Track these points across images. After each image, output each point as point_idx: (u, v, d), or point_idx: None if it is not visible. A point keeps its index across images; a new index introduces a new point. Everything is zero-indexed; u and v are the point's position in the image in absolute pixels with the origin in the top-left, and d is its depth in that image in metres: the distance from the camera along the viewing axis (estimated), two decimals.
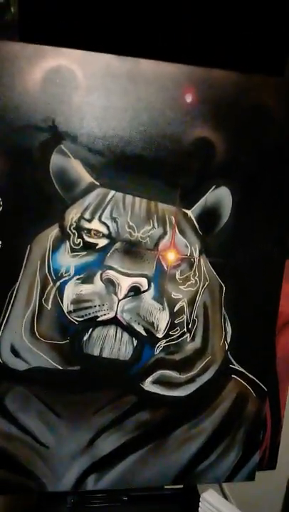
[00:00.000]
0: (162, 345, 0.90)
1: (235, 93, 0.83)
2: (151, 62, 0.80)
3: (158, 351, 0.90)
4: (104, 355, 0.87)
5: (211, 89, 0.82)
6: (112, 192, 0.83)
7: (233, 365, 0.95)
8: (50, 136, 0.78)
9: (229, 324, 0.93)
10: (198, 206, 0.86)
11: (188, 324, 0.90)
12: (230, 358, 0.94)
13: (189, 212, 0.86)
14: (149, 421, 0.92)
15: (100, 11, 0.83)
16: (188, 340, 0.91)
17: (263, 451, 1.03)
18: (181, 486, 1.00)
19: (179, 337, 0.90)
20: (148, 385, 0.91)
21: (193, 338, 0.91)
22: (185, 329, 0.90)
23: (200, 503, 0.80)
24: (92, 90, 0.78)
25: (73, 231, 0.82)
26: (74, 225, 0.82)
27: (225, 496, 1.06)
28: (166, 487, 0.99)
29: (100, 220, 0.83)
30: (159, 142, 0.82)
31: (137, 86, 0.80)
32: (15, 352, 0.85)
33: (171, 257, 0.87)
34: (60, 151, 0.79)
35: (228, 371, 0.95)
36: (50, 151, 0.78)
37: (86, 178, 0.81)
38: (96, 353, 0.87)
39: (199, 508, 0.80)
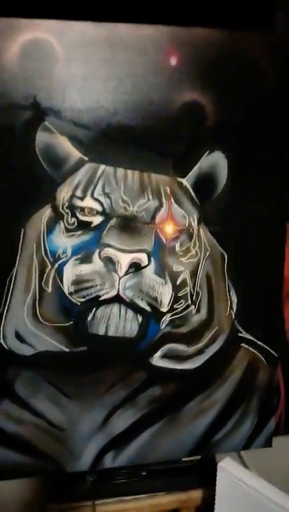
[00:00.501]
0: (168, 319, 0.88)
1: (221, 52, 0.80)
2: (129, 26, 0.76)
3: (164, 326, 0.89)
4: (110, 333, 0.86)
5: (196, 50, 0.79)
6: (103, 166, 0.80)
7: (242, 333, 0.93)
8: (32, 113, 0.75)
9: (234, 293, 0.91)
10: (192, 174, 0.83)
11: (192, 296, 0.89)
12: (238, 326, 0.93)
13: (184, 181, 0.84)
14: (161, 395, 0.92)
15: None
16: (193, 312, 0.90)
17: (278, 416, 1.02)
18: (199, 457, 1.00)
19: (184, 310, 0.89)
20: (157, 360, 0.90)
21: (198, 310, 0.90)
22: (189, 301, 0.89)
23: (217, 473, 0.80)
24: (72, 61, 0.75)
25: (66, 210, 0.80)
26: (66, 204, 0.80)
27: (244, 465, 1.07)
28: (183, 459, 0.99)
29: (92, 196, 0.81)
30: (146, 110, 0.79)
31: (117, 53, 0.76)
32: (20, 338, 0.84)
33: (169, 229, 0.84)
34: (45, 128, 0.76)
35: (237, 340, 0.94)
36: (35, 129, 0.76)
37: (74, 154, 0.78)
38: (101, 332, 0.86)
39: (217, 477, 0.79)
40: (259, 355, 0.95)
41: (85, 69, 0.75)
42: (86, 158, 0.79)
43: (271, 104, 0.83)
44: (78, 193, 0.80)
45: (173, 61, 0.78)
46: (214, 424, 0.96)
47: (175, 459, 0.99)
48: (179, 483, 0.97)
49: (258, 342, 0.94)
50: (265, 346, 0.95)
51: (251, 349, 0.95)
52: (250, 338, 0.94)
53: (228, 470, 0.76)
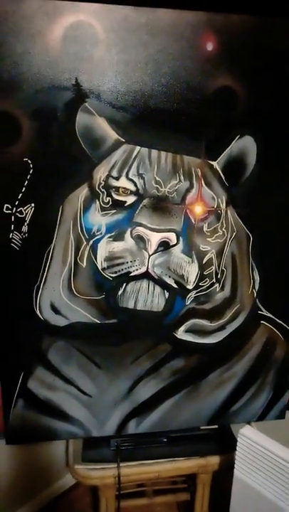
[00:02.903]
0: (193, 296, 0.93)
1: (256, 38, 0.82)
2: (168, 11, 0.78)
3: (189, 302, 0.94)
4: (139, 307, 0.91)
5: (232, 36, 0.81)
6: (138, 148, 0.84)
7: (262, 311, 0.98)
8: (74, 95, 0.78)
9: (257, 273, 0.95)
10: (223, 157, 0.87)
11: (217, 275, 0.93)
12: (259, 304, 0.98)
13: (215, 164, 0.87)
14: (183, 367, 0.98)
15: None
16: (217, 290, 0.94)
17: None
18: (216, 427, 1.06)
19: (209, 287, 0.94)
20: (181, 333, 0.96)
21: (222, 288, 0.95)
22: (214, 280, 0.93)
23: (238, 439, 0.85)
24: (112, 45, 0.77)
25: (102, 190, 0.84)
26: (102, 184, 0.84)
27: None
28: (201, 428, 1.05)
29: (127, 177, 0.84)
30: (182, 94, 0.82)
31: (156, 37, 0.78)
32: (55, 309, 0.89)
33: (199, 210, 0.88)
34: (85, 110, 0.79)
35: (257, 317, 0.99)
36: (75, 110, 0.79)
37: (112, 135, 0.82)
38: (131, 306, 0.91)
39: (238, 443, 0.85)
40: (277, 332, 1.00)
41: (125, 53, 0.78)
42: (123, 140, 0.82)
43: None
44: (114, 173, 0.84)
45: (209, 47, 0.81)
46: (232, 395, 1.02)
47: (194, 427, 1.05)
48: (198, 449, 1.03)
49: (277, 320, 1.00)
50: (284, 323, 1.00)
51: (270, 326, 1.00)
52: (270, 315, 0.99)
53: (249, 436, 0.82)
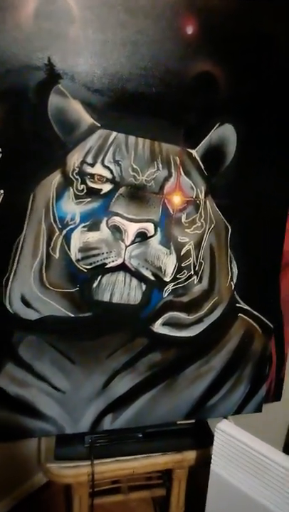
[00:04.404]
0: (170, 288, 0.91)
1: (237, 21, 0.79)
2: None
3: (166, 294, 0.91)
4: (115, 300, 0.88)
5: (212, 18, 0.78)
6: (114, 133, 0.80)
7: (240, 303, 0.97)
8: (46, 75, 0.74)
9: (235, 265, 0.94)
10: (202, 145, 0.84)
11: (195, 267, 0.91)
12: (237, 297, 0.96)
13: (194, 152, 0.84)
14: (160, 361, 0.95)
15: None
16: (195, 282, 0.92)
17: (268, 384, 1.08)
18: (193, 421, 1.04)
19: (187, 280, 0.91)
20: (158, 327, 0.93)
21: (200, 280, 0.93)
22: (192, 272, 0.91)
23: (215, 433, 0.84)
24: (89, 24, 0.73)
25: (76, 177, 0.80)
26: (76, 171, 0.80)
27: None
28: (178, 422, 1.04)
29: (102, 163, 0.81)
30: (161, 78, 0.78)
31: (135, 17, 0.75)
32: (26, 302, 0.85)
33: (177, 200, 0.86)
34: (58, 92, 0.75)
35: (235, 310, 0.97)
36: (48, 92, 0.75)
37: (86, 119, 0.78)
38: (106, 298, 0.88)
39: (214, 437, 0.84)
40: (255, 324, 0.99)
41: (102, 32, 0.74)
42: (98, 124, 0.79)
43: (284, 81, 0.84)
44: (89, 159, 0.80)
45: (189, 29, 0.78)
46: (209, 389, 1.00)
47: (170, 422, 1.03)
48: (174, 444, 1.01)
49: (255, 312, 0.98)
50: (261, 316, 0.99)
51: (248, 319, 0.98)
52: (248, 308, 0.98)
53: (226, 430, 0.81)
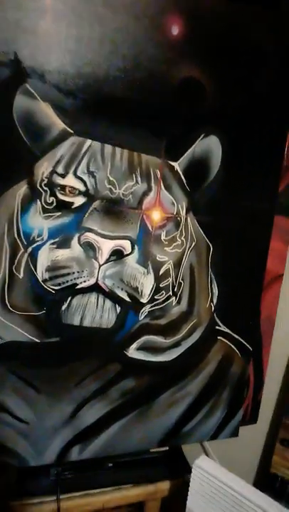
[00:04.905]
0: (147, 310, 0.84)
1: (226, 26, 0.73)
2: None
3: (142, 317, 0.84)
4: (86, 324, 0.80)
5: (201, 20, 0.71)
6: (89, 141, 0.71)
7: (219, 326, 0.91)
8: (11, 73, 0.64)
9: (216, 285, 0.88)
10: (185, 158, 0.77)
11: (173, 287, 0.84)
12: (217, 319, 0.90)
13: (176, 165, 0.77)
14: (133, 388, 0.88)
15: None
16: (173, 303, 0.85)
17: (245, 407, 1.03)
18: (167, 448, 0.98)
19: (165, 301, 0.84)
20: (132, 351, 0.86)
21: (179, 302, 0.86)
22: (171, 293, 0.84)
23: (192, 470, 0.78)
24: (62, 16, 0.64)
25: (45, 188, 0.71)
26: (45, 181, 0.71)
27: (206, 452, 1.07)
28: (151, 450, 0.97)
29: (75, 174, 0.72)
30: (142, 82, 0.71)
31: (115, 13, 0.67)
32: None
33: (157, 216, 0.78)
34: (26, 92, 0.66)
35: (214, 333, 0.91)
36: (13, 92, 0.65)
37: (57, 124, 0.69)
38: (76, 322, 0.80)
39: (192, 475, 0.78)
40: (234, 348, 0.94)
41: (77, 27, 0.65)
42: (71, 131, 0.70)
43: (272, 91, 0.78)
44: (60, 169, 0.71)
45: (175, 30, 0.70)
46: (184, 415, 0.94)
47: (143, 450, 0.97)
48: (147, 474, 0.95)
49: (235, 335, 0.93)
50: (241, 339, 0.94)
51: (227, 342, 0.93)
52: (227, 331, 0.92)
53: (203, 467, 0.75)
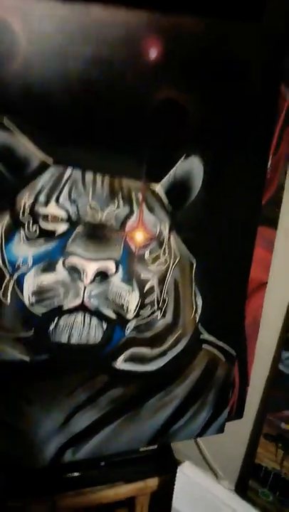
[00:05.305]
0: (133, 325, 0.86)
1: (206, 45, 0.71)
2: (104, 8, 0.64)
3: (128, 331, 0.87)
4: (73, 341, 0.83)
5: (178, 41, 0.69)
6: (69, 170, 0.72)
7: (204, 335, 0.94)
8: None
9: (200, 298, 0.90)
10: (167, 179, 0.77)
11: (158, 302, 0.87)
12: (201, 329, 0.93)
13: (157, 187, 0.78)
14: (122, 396, 0.92)
15: None
16: (159, 317, 0.88)
17: (231, 404, 1.08)
18: (155, 447, 1.04)
19: (150, 315, 0.87)
20: (120, 363, 0.89)
21: (164, 315, 0.89)
22: (156, 307, 0.87)
23: (177, 475, 0.84)
24: (36, 44, 0.63)
25: (27, 218, 0.72)
26: (28, 211, 0.72)
27: (197, 444, 1.14)
28: (141, 449, 1.03)
29: (57, 203, 0.73)
30: (119, 107, 0.70)
31: (90, 39, 0.65)
32: None
33: (140, 237, 0.80)
34: (3, 127, 0.65)
35: (199, 341, 0.94)
36: None
37: (37, 155, 0.69)
38: (64, 340, 0.82)
39: (176, 478, 0.83)
40: (218, 354, 0.97)
41: (51, 54, 0.64)
42: (51, 161, 0.70)
43: (253, 110, 0.78)
44: (41, 198, 0.72)
45: (153, 52, 0.69)
46: (172, 417, 0.99)
47: (134, 450, 1.02)
48: (137, 472, 1.01)
49: (219, 342, 0.96)
50: (225, 346, 0.97)
51: (211, 349, 0.96)
52: (212, 339, 0.95)
53: (187, 473, 0.80)
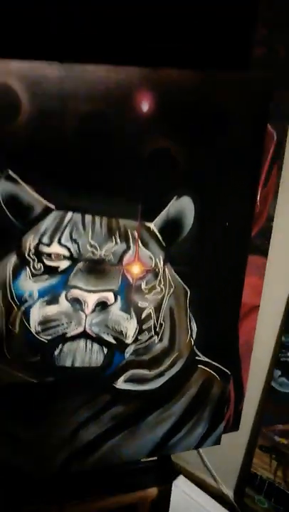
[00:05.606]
0: (132, 349, 0.93)
1: (195, 97, 0.77)
2: (99, 67, 0.71)
3: (128, 355, 0.93)
4: (77, 365, 0.90)
5: (169, 93, 0.75)
6: (70, 213, 0.78)
7: (199, 356, 1.01)
8: None
9: (194, 323, 0.96)
10: (160, 218, 0.84)
11: (155, 328, 0.93)
12: (196, 351, 1.00)
13: (152, 225, 0.84)
14: (123, 413, 0.99)
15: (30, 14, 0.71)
16: (156, 341, 0.95)
17: (227, 417, 1.14)
18: (156, 458, 1.11)
19: (148, 340, 0.94)
20: (120, 383, 0.96)
21: (161, 340, 0.95)
22: (153, 333, 0.93)
23: (172, 489, 0.90)
24: (36, 103, 0.70)
25: (32, 257, 0.79)
26: (33, 251, 0.79)
27: (198, 453, 1.21)
28: (142, 460, 1.10)
29: (59, 243, 0.80)
30: (115, 156, 0.76)
31: (87, 96, 0.71)
32: None
33: (136, 269, 0.86)
34: (9, 178, 0.72)
35: (194, 362, 1.01)
36: None
37: (40, 202, 0.76)
38: (68, 364, 0.90)
39: (172, 491, 0.90)
40: (213, 373, 1.04)
41: (51, 114, 0.70)
42: (53, 206, 0.77)
43: (241, 151, 0.83)
44: (45, 239, 0.79)
45: (145, 106, 0.75)
46: (170, 431, 1.06)
47: (135, 461, 1.10)
48: (138, 482, 1.08)
49: (214, 363, 1.02)
50: (220, 366, 1.03)
51: (207, 369, 1.03)
52: (207, 360, 1.02)
53: (181, 487, 0.87)
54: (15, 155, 0.72)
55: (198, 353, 1.00)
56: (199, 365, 1.02)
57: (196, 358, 1.00)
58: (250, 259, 0.97)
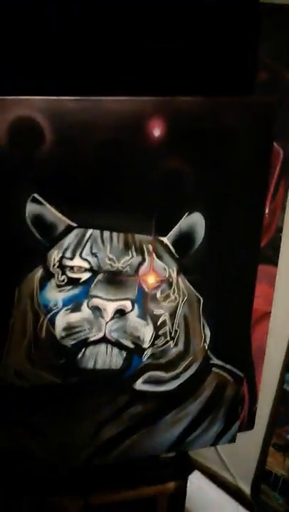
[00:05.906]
0: (149, 353, 1.00)
1: (203, 121, 0.83)
2: (113, 99, 0.78)
3: (145, 358, 1.01)
4: (98, 367, 0.98)
5: (179, 119, 0.82)
6: (90, 230, 0.86)
7: (213, 360, 1.07)
8: (23, 186, 0.79)
9: (208, 329, 1.02)
10: (173, 233, 0.90)
11: (170, 333, 1.00)
12: (210, 355, 1.06)
13: (165, 240, 0.91)
14: (141, 412, 1.07)
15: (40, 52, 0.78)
16: (171, 346, 1.02)
17: (241, 418, 1.20)
18: (174, 454, 1.18)
19: (164, 345, 1.01)
20: (139, 385, 1.04)
21: (176, 344, 1.02)
22: (168, 338, 1.00)
23: (188, 482, 0.97)
24: (58, 133, 0.77)
25: (57, 270, 0.88)
26: (57, 265, 0.87)
27: (216, 450, 1.27)
28: (161, 456, 1.17)
29: (81, 256, 0.88)
30: (130, 178, 0.84)
31: (104, 125, 0.79)
32: (18, 375, 0.95)
33: (151, 280, 0.93)
34: (35, 200, 0.81)
35: (209, 365, 1.07)
36: (25, 201, 0.81)
37: (63, 220, 0.84)
38: (90, 366, 0.98)
39: (187, 486, 0.97)
40: (227, 375, 1.09)
41: (72, 146, 0.78)
42: (74, 225, 0.85)
43: (248, 169, 0.89)
44: (68, 254, 0.87)
45: (156, 132, 0.81)
46: (187, 430, 1.13)
47: (154, 456, 1.17)
48: (157, 476, 1.16)
49: (227, 366, 1.08)
50: (233, 369, 1.09)
51: (220, 372, 1.09)
52: (220, 363, 1.08)
53: (196, 483, 0.94)
54: (40, 179, 0.80)
55: (212, 357, 1.06)
56: (213, 369, 1.08)
57: (210, 361, 1.07)
58: (261, 269, 1.02)
